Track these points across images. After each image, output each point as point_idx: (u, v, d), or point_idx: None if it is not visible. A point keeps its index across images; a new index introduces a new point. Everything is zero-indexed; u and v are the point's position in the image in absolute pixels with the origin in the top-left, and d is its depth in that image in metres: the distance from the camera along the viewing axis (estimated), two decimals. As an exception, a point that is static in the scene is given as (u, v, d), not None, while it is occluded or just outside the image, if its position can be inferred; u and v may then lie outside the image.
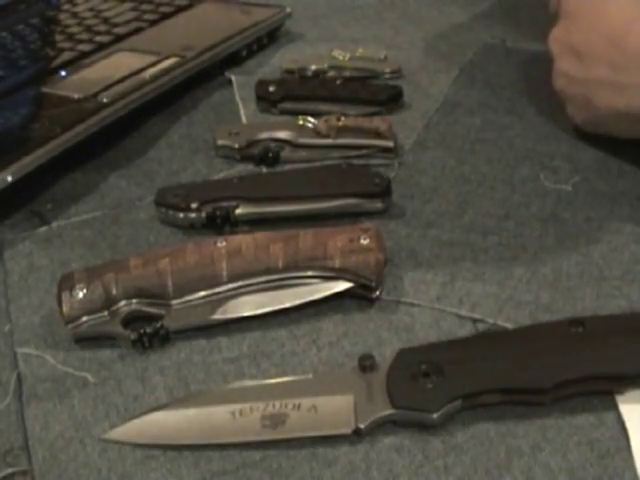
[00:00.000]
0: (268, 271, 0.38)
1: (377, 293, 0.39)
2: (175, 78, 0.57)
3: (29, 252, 0.44)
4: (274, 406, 0.33)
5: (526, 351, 0.33)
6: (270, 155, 0.50)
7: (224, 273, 0.38)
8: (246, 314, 0.38)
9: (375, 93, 0.55)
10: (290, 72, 0.60)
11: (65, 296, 0.37)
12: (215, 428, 0.33)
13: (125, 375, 0.36)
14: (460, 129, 0.52)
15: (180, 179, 0.49)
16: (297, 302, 0.38)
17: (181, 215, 0.44)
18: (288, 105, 0.55)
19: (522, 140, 0.50)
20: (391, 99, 0.55)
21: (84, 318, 0.37)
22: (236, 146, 0.50)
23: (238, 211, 0.44)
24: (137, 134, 0.54)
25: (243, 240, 0.39)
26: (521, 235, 0.42)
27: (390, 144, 0.49)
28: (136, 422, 0.33)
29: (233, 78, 0.60)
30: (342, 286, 0.38)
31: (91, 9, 0.70)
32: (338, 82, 0.57)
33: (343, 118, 0.50)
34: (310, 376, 0.35)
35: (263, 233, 0.40)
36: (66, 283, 0.38)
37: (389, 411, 0.32)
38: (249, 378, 0.35)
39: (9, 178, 0.45)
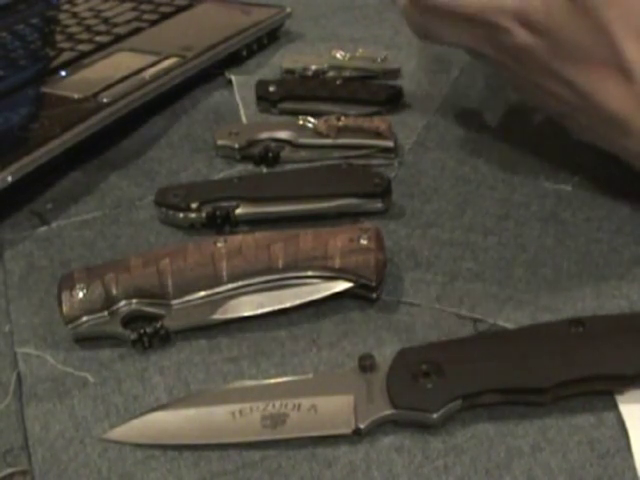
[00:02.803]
0: (268, 271, 0.38)
1: (377, 293, 0.39)
2: (175, 78, 0.57)
3: (29, 252, 0.44)
4: (274, 406, 0.33)
5: (526, 351, 0.33)
6: (270, 155, 0.50)
7: (224, 273, 0.38)
8: (246, 314, 0.38)
9: (375, 93, 0.55)
10: (290, 72, 0.60)
11: (65, 296, 0.37)
12: (215, 428, 0.33)
13: (125, 375, 0.36)
14: (460, 129, 0.52)
15: (180, 179, 0.49)
16: (297, 302, 0.38)
17: (181, 215, 0.44)
18: (288, 105, 0.55)
19: (522, 140, 0.50)
20: (391, 99, 0.55)
21: (84, 318, 0.37)
22: (236, 146, 0.50)
23: (238, 211, 0.44)
24: (137, 134, 0.54)
25: (243, 240, 0.39)
26: (521, 235, 0.42)
27: (390, 144, 0.49)
28: (136, 422, 0.33)
29: (233, 78, 0.60)
30: (342, 286, 0.38)
31: (91, 9, 0.70)
32: (338, 82, 0.57)
33: (343, 118, 0.50)
34: (310, 376, 0.35)
35: (263, 233, 0.40)
36: (66, 283, 0.38)
37: (389, 411, 0.32)
38: (249, 378, 0.35)
39: (9, 178, 0.45)
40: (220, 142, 0.51)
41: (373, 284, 0.38)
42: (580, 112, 0.41)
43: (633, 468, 0.30)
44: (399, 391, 0.32)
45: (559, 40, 0.38)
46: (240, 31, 0.63)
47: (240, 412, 0.33)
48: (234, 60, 0.62)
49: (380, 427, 0.32)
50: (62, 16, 0.70)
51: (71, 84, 0.57)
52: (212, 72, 0.61)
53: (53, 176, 0.50)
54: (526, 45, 0.39)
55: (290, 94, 0.56)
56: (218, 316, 0.38)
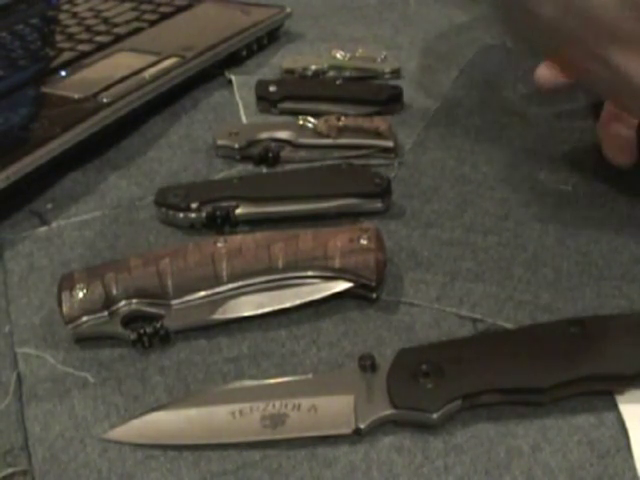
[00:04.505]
0: (268, 271, 0.38)
1: (377, 293, 0.39)
2: (175, 78, 0.57)
3: (29, 252, 0.44)
4: (274, 406, 0.33)
5: (526, 351, 0.33)
6: (270, 155, 0.50)
7: (224, 273, 0.38)
8: (246, 314, 0.38)
9: (375, 93, 0.55)
10: (290, 72, 0.60)
11: (65, 296, 0.37)
12: (215, 428, 0.33)
13: (125, 375, 0.36)
14: (460, 129, 0.52)
15: (180, 179, 0.49)
16: (297, 302, 0.38)
17: (181, 215, 0.44)
18: (288, 105, 0.55)
19: (522, 140, 0.50)
20: (391, 99, 0.54)
21: (84, 318, 0.37)
22: (236, 146, 0.50)
23: (238, 211, 0.44)
24: (137, 134, 0.54)
25: (243, 240, 0.39)
26: (521, 235, 0.42)
27: (390, 144, 0.49)
28: (136, 422, 0.33)
29: (233, 78, 0.60)
30: (342, 286, 0.38)
31: (91, 9, 0.70)
32: (338, 82, 0.57)
33: (343, 118, 0.50)
34: (310, 376, 0.35)
35: (263, 233, 0.40)
36: (66, 283, 0.38)
37: (389, 411, 0.32)
38: (249, 378, 0.35)
39: (9, 178, 0.45)
40: (220, 142, 0.51)
41: (373, 284, 0.38)
42: (611, 85, 0.39)
43: (633, 468, 0.30)
44: (399, 391, 0.32)
45: (595, 19, 0.36)
46: (240, 31, 0.63)
47: (240, 412, 0.33)
48: (234, 60, 0.62)
49: (380, 427, 0.32)
50: (62, 16, 0.70)
51: (71, 84, 0.57)
52: (212, 72, 0.61)
53: (53, 176, 0.50)
54: (556, 20, 0.37)
55: (290, 94, 0.56)
56: (218, 316, 0.38)
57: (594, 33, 0.37)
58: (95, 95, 0.54)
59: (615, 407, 0.32)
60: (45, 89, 0.56)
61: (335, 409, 0.33)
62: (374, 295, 0.38)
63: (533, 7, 0.38)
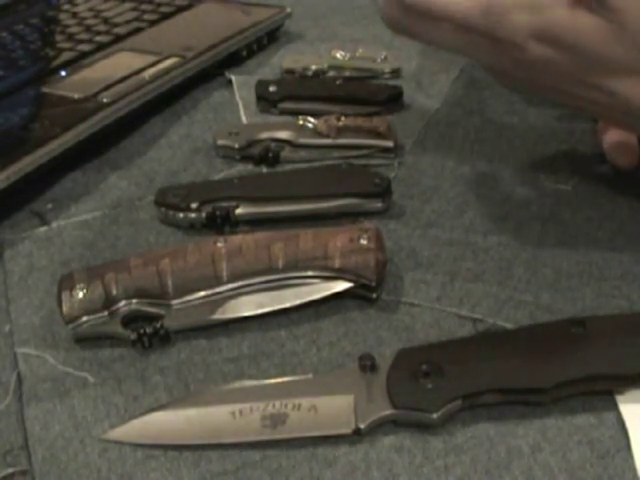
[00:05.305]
0: (268, 271, 0.38)
1: (377, 293, 0.39)
2: (175, 78, 0.57)
3: (29, 252, 0.44)
4: (274, 406, 0.33)
5: (526, 351, 0.33)
6: (270, 155, 0.50)
7: (224, 273, 0.38)
8: (246, 314, 0.38)
9: (375, 93, 0.55)
10: (290, 72, 0.60)
11: (65, 296, 0.37)
12: (215, 428, 0.33)
13: (125, 375, 0.36)
14: (460, 129, 0.52)
15: (180, 179, 0.49)
16: (297, 302, 0.38)
17: (181, 215, 0.44)
18: (288, 105, 0.55)
19: (522, 140, 0.51)
20: (391, 99, 0.55)
21: (84, 318, 0.37)
22: (236, 146, 0.50)
23: (238, 211, 0.44)
24: (137, 134, 0.54)
25: (243, 240, 0.39)
26: (521, 235, 0.42)
27: (390, 144, 0.49)
28: (136, 422, 0.33)
29: (233, 78, 0.60)
30: (342, 286, 0.38)
31: (91, 9, 0.70)
32: (338, 82, 0.57)
33: (343, 118, 0.50)
34: (310, 376, 0.35)
35: (263, 233, 0.40)
36: (66, 283, 0.38)
37: (389, 411, 0.32)
38: (249, 378, 0.35)
39: (9, 178, 0.45)
40: (220, 142, 0.51)
41: (373, 284, 0.38)
42: (609, 109, 0.39)
43: (633, 468, 0.30)
44: (399, 391, 0.32)
45: (587, 53, 0.36)
46: (240, 31, 0.63)
47: (240, 412, 0.33)
48: (234, 60, 0.62)
49: (380, 427, 0.32)
50: (62, 16, 0.70)
51: (71, 84, 0.57)
52: (212, 72, 0.61)
53: (53, 176, 0.50)
54: (545, 58, 0.37)
55: (290, 94, 0.56)
56: (218, 316, 0.38)
57: (589, 66, 0.36)
58: (95, 95, 0.54)
59: (615, 407, 0.32)
60: (45, 89, 0.56)
61: (335, 409, 0.33)
62: (374, 295, 0.38)
63: (519, 48, 0.36)
